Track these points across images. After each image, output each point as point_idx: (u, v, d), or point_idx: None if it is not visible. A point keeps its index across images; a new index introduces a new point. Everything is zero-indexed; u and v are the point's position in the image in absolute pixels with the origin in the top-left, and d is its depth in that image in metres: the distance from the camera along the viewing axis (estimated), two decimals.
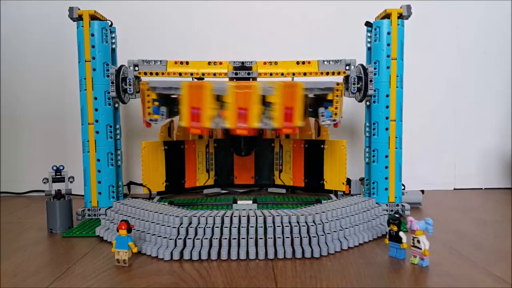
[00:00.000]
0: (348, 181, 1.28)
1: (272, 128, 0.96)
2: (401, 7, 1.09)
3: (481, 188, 1.58)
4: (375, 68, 1.11)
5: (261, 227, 0.85)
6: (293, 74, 1.10)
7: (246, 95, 0.94)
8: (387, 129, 1.11)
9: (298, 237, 0.82)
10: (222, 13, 1.53)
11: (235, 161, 1.42)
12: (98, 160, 1.10)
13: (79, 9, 1.07)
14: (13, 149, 1.55)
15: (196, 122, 0.94)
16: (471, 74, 1.56)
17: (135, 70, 1.09)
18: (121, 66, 1.10)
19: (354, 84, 1.09)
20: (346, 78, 1.11)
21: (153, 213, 0.91)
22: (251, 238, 0.82)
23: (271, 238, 0.82)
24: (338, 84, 1.07)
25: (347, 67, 1.10)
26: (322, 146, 1.29)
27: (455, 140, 1.58)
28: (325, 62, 1.10)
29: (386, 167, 1.12)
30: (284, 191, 1.43)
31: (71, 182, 1.03)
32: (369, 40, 1.13)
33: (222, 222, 0.86)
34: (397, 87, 1.11)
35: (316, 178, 1.31)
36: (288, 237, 0.83)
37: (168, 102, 1.08)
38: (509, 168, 1.57)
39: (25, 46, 1.52)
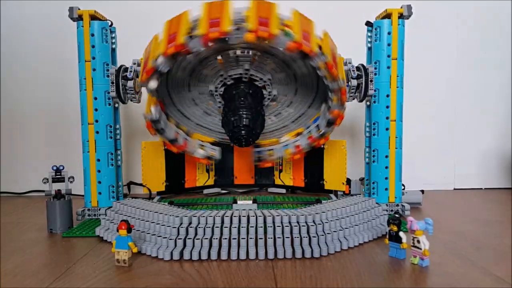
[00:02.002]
0: (348, 181, 1.28)
1: (292, 40, 0.90)
2: (401, 7, 1.08)
3: (481, 188, 1.58)
4: (375, 68, 1.11)
5: (261, 227, 0.85)
6: None
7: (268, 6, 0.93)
8: (387, 129, 1.11)
9: (298, 237, 0.82)
10: None
11: (235, 161, 1.42)
12: (98, 160, 1.10)
13: (79, 9, 1.07)
14: (13, 149, 1.54)
15: (215, 27, 0.92)
16: (471, 74, 1.56)
17: (138, 66, 1.10)
18: (121, 66, 1.11)
19: (354, 71, 1.09)
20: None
21: (153, 213, 0.91)
22: (251, 238, 0.82)
23: (271, 238, 0.82)
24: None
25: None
26: (322, 146, 1.29)
27: (455, 140, 1.58)
28: None
29: (386, 167, 1.12)
30: (284, 191, 1.42)
31: (71, 182, 1.03)
32: (369, 40, 1.13)
33: (222, 222, 0.86)
34: (397, 87, 1.10)
35: (316, 178, 1.31)
36: (288, 237, 0.83)
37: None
38: (509, 168, 1.57)
39: (25, 46, 1.52)
